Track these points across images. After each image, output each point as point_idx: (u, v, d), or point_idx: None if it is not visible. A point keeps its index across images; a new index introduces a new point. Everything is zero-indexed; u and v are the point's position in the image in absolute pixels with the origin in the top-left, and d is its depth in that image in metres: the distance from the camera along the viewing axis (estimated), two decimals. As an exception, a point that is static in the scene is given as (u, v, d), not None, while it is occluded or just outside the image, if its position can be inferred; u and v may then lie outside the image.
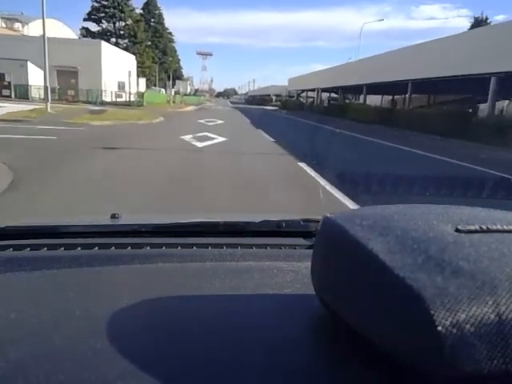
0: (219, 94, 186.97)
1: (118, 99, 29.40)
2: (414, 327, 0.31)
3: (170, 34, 78.36)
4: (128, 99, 30.05)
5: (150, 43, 68.68)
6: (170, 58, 68.66)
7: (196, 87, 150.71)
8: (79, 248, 0.84)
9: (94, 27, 53.45)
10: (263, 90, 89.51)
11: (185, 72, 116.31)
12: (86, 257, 0.76)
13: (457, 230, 0.37)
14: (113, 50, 35.65)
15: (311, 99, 45.62)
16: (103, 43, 32.64)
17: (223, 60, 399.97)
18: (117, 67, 35.19)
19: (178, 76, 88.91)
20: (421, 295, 0.31)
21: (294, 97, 54.98)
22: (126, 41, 55.87)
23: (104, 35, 52.51)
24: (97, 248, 0.83)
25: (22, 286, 0.58)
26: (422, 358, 0.31)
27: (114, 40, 55.05)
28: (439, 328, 0.29)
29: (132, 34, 54.03)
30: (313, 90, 43.53)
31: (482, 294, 0.31)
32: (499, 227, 0.37)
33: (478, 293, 0.31)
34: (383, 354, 0.35)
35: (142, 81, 61.69)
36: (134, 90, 36.75)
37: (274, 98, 69.69)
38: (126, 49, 54.95)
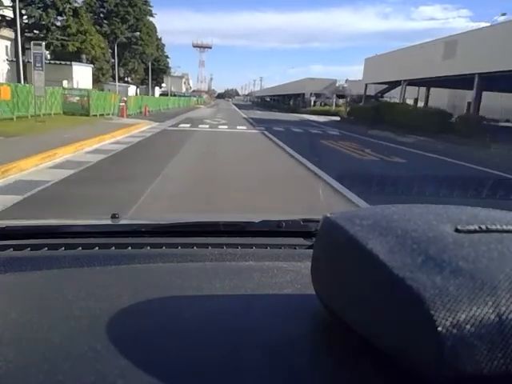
0: (220, 95, 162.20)
1: None
2: (414, 327, 0.31)
3: (146, 2, 51.53)
4: None
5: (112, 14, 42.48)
6: (138, 33, 41.28)
7: (193, 88, 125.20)
8: (79, 248, 0.84)
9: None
10: (283, 88, 61.99)
11: (177, 68, 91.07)
12: (86, 257, 0.76)
13: (456, 230, 0.37)
14: None
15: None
16: None
17: (222, 61, 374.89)
18: None
19: (161, 69, 61.76)
20: (421, 295, 0.31)
21: (357, 98, 27.84)
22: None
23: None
24: (97, 248, 0.84)
25: (22, 286, 0.57)
26: (421, 359, 0.31)
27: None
28: (439, 328, 0.29)
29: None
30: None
31: (482, 294, 0.31)
32: (498, 227, 0.37)
33: (478, 293, 0.31)
34: (383, 355, 0.35)
35: (85, 70, 34.63)
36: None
37: (312, 99, 42.43)
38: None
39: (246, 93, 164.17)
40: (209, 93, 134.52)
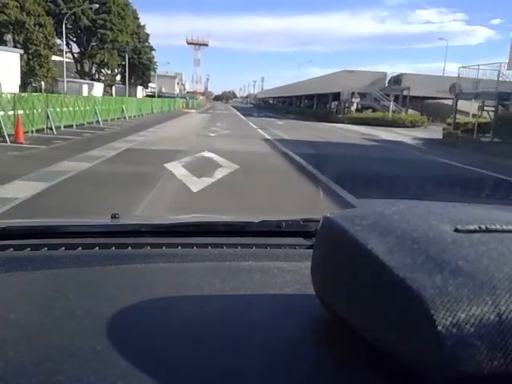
0: (217, 97, 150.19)
1: None
2: (414, 327, 0.31)
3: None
4: None
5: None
6: (96, 5, 28.52)
7: (188, 89, 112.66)
8: (80, 248, 0.84)
9: None
10: (299, 87, 49.03)
11: (166, 64, 79.00)
12: (86, 257, 0.76)
13: (456, 230, 0.37)
14: None
15: None
16: None
17: (219, 63, 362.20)
18: None
19: (144, 64, 48.91)
20: (421, 295, 0.31)
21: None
22: None
23: None
24: (97, 248, 0.84)
25: (22, 286, 0.58)
26: (421, 358, 0.31)
27: None
28: (439, 328, 0.29)
29: None
30: None
31: (482, 294, 0.31)
32: (498, 227, 0.37)
33: (478, 292, 0.31)
34: (383, 355, 0.35)
35: (3, 56, 21.86)
36: None
37: (355, 101, 29.51)
38: None
39: (245, 95, 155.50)
40: (205, 94, 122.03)
